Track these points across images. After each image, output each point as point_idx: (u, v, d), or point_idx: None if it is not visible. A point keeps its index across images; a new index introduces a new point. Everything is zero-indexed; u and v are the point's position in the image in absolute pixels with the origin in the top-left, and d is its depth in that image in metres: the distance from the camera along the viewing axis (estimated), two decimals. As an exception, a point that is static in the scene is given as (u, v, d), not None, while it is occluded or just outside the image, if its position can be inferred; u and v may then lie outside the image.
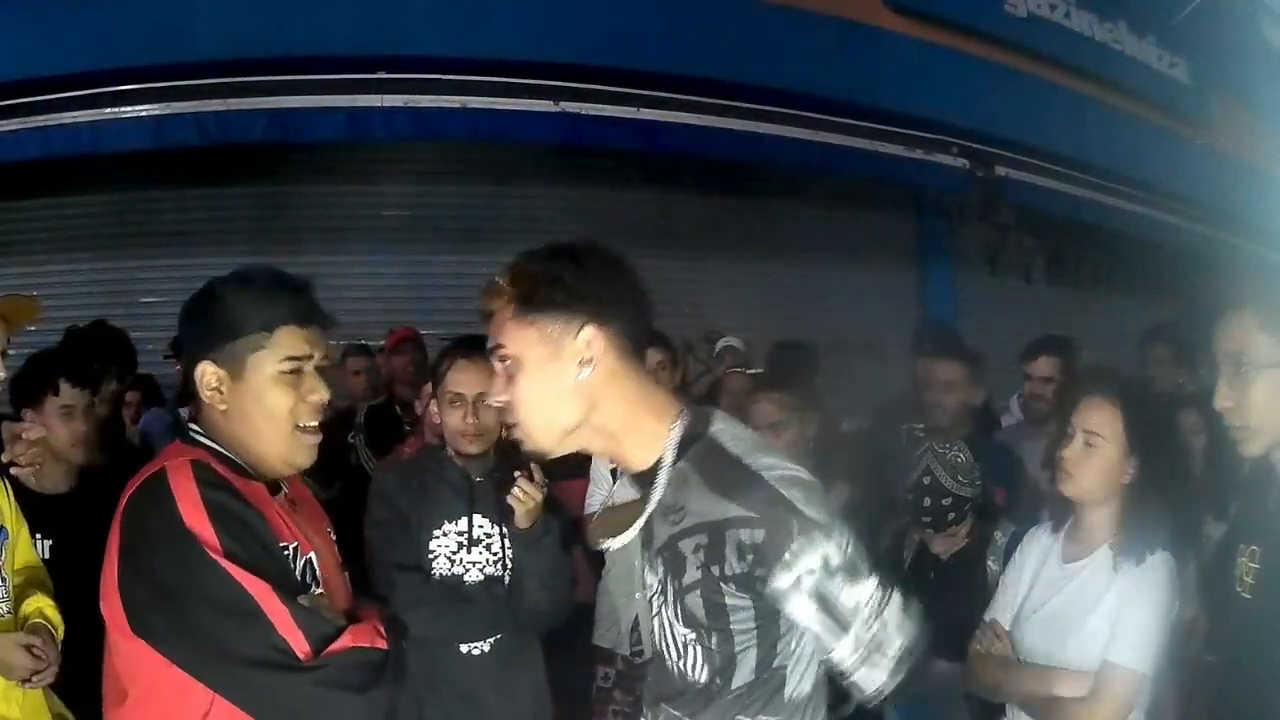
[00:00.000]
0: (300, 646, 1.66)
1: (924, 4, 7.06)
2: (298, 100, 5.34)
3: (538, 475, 2.79)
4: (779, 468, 1.68)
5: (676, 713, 1.79)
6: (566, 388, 1.69)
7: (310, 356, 1.86)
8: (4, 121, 5.16)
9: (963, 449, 3.24)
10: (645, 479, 1.75)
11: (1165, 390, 4.20)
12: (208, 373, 1.81)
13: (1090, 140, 7.68)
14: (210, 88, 5.24)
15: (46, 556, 3.04)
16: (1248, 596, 2.16)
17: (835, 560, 1.63)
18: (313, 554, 1.86)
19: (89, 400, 3.25)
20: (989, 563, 3.13)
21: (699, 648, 1.73)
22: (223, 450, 1.82)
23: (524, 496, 2.76)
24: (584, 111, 5.75)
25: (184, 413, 4.10)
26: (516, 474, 2.77)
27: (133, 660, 1.71)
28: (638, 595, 3.81)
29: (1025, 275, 8.39)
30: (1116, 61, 8.29)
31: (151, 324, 6.13)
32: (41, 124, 5.20)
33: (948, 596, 3.14)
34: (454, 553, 2.96)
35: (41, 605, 2.71)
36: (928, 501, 3.17)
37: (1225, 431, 2.20)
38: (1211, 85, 8.97)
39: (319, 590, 1.84)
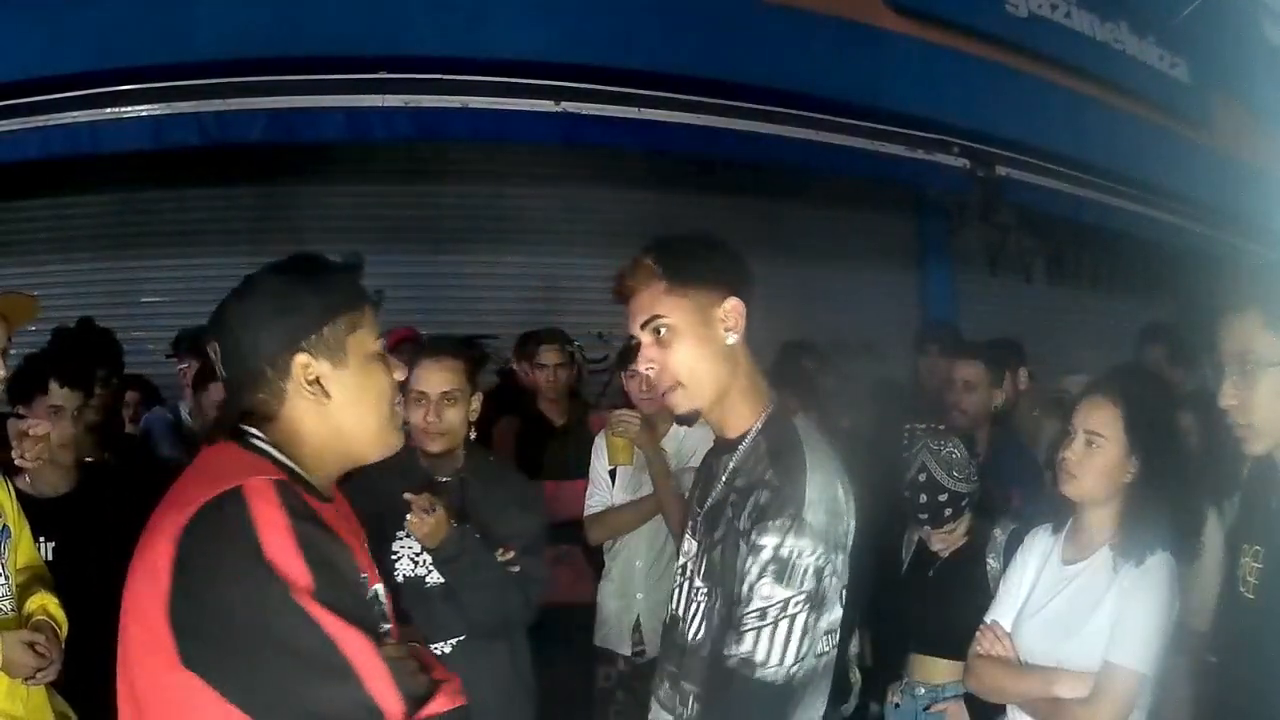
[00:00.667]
0: (393, 709, 1.46)
1: (924, 4, 7.05)
2: (298, 100, 5.33)
3: (426, 500, 2.79)
4: (821, 473, 1.88)
5: (684, 680, 1.97)
6: (717, 351, 1.94)
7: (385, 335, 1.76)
8: (4, 121, 5.14)
9: (958, 445, 3.25)
10: (726, 447, 2.01)
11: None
12: (308, 365, 1.62)
13: (1091, 140, 7.67)
14: (210, 88, 5.23)
15: (50, 558, 3.05)
16: (1250, 596, 2.16)
17: (782, 553, 1.80)
18: (379, 585, 1.70)
19: (80, 401, 3.25)
20: (989, 560, 3.13)
21: (702, 605, 1.95)
22: (290, 464, 1.63)
23: (417, 522, 2.78)
24: (584, 111, 5.74)
25: (185, 411, 4.10)
26: (407, 497, 2.78)
27: (175, 692, 1.48)
28: (639, 596, 3.87)
29: (1026, 275, 8.39)
30: (1117, 61, 8.28)
31: (151, 324, 6.15)
32: (41, 124, 5.18)
33: (947, 595, 3.15)
34: (417, 554, 2.97)
35: (45, 602, 2.72)
36: (924, 498, 3.18)
37: (1223, 431, 2.20)
38: (1212, 85, 8.96)
39: (387, 625, 1.68)
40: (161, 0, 5.40)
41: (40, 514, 3.02)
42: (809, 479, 1.86)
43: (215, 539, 1.47)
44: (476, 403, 3.13)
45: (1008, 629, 2.63)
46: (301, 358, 1.62)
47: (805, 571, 1.81)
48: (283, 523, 1.48)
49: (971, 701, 2.92)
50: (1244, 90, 9.00)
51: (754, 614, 1.81)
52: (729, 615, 1.87)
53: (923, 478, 3.18)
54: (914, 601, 3.26)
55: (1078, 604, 2.50)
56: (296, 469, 1.63)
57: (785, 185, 6.91)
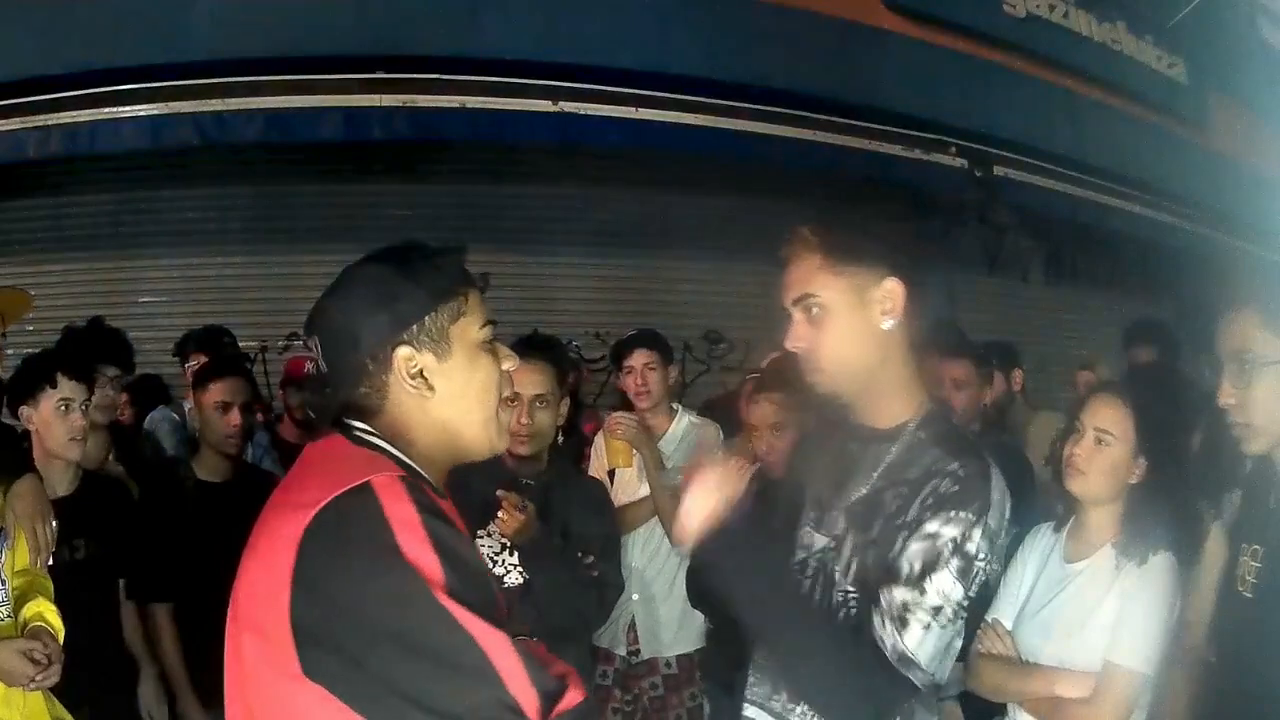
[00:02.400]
0: (531, 705, 1.37)
1: (922, 4, 7.05)
2: (295, 100, 5.33)
3: (518, 498, 2.76)
4: (1000, 476, 1.80)
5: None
6: (869, 334, 1.83)
7: (495, 322, 1.64)
8: (2, 121, 5.15)
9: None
10: (877, 437, 1.89)
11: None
12: (410, 359, 1.53)
13: (1089, 140, 7.68)
14: (207, 88, 5.24)
15: (50, 563, 3.04)
16: (1249, 596, 2.15)
17: (969, 548, 1.72)
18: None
19: (86, 395, 3.24)
20: (990, 561, 3.13)
21: (854, 610, 1.80)
22: (406, 459, 1.54)
23: (507, 519, 2.73)
24: (582, 111, 5.74)
25: (188, 409, 4.10)
26: (499, 494, 2.74)
27: (296, 702, 1.40)
28: (634, 596, 3.83)
29: (1023, 275, 8.39)
30: (1115, 62, 8.29)
31: (150, 324, 6.14)
32: (39, 124, 5.19)
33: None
34: (496, 553, 2.94)
35: (43, 609, 2.72)
36: None
37: (1222, 429, 2.19)
38: (1210, 86, 8.97)
39: None
40: (159, 1, 5.40)
41: None
42: (994, 479, 1.78)
43: (346, 538, 1.40)
44: (565, 407, 3.09)
45: (1008, 627, 2.63)
46: (404, 350, 1.54)
47: (978, 575, 1.74)
48: (415, 519, 1.40)
49: (971, 700, 2.91)
50: (1241, 91, 9.00)
51: (929, 609, 1.71)
52: (892, 601, 1.74)
53: None
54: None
55: (1079, 603, 2.50)
56: (412, 464, 1.55)
57: (783, 185, 6.90)
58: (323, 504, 1.41)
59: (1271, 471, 2.15)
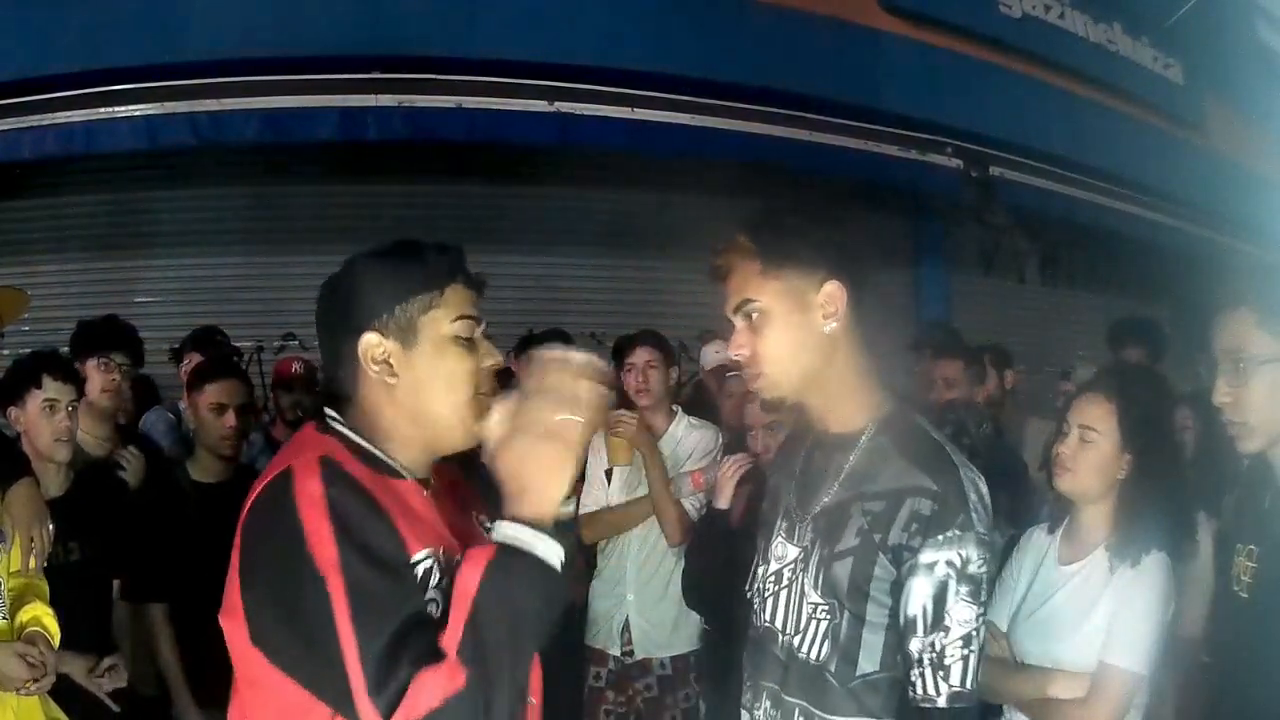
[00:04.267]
0: (366, 712, 1.39)
1: (918, 4, 7.06)
2: (291, 100, 5.32)
3: (629, 415, 2.76)
4: (971, 471, 1.78)
5: (786, 695, 1.86)
6: (811, 338, 1.82)
7: (480, 320, 1.68)
8: (-2, 121, 5.15)
9: (962, 423, 3.26)
10: (835, 443, 1.88)
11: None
12: (374, 344, 1.61)
13: (1085, 141, 7.69)
14: (204, 88, 5.23)
15: (43, 564, 3.04)
16: (1245, 596, 2.16)
17: (971, 569, 1.72)
18: (424, 552, 1.58)
19: (72, 395, 3.24)
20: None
21: (825, 623, 1.81)
22: (363, 442, 1.62)
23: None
24: (579, 111, 5.74)
25: (184, 410, 4.10)
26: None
27: (252, 675, 1.53)
28: (629, 596, 3.83)
29: (1019, 275, 8.40)
30: (1111, 63, 8.30)
31: (147, 324, 6.12)
32: (35, 124, 5.18)
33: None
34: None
35: (39, 613, 2.72)
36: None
37: (1218, 429, 2.20)
38: (1206, 86, 8.99)
39: (430, 596, 1.56)
40: (155, 0, 5.39)
41: None
42: (965, 481, 1.76)
43: (262, 517, 1.51)
44: None
45: (1003, 629, 2.63)
46: (370, 336, 1.61)
47: (984, 582, 1.75)
48: (319, 496, 1.47)
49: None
50: (1237, 91, 9.02)
51: (958, 642, 1.72)
52: (857, 637, 1.78)
53: (937, 411, 3.19)
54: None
55: (1074, 604, 2.50)
56: (369, 447, 1.62)
57: (779, 186, 6.90)
58: (260, 487, 1.53)
59: (1267, 471, 2.15)
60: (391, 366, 1.61)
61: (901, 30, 6.95)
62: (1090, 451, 2.51)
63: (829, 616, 1.80)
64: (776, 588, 1.92)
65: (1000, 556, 3.00)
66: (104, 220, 6.65)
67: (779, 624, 1.89)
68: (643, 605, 3.91)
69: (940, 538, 1.71)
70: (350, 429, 1.63)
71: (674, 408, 4.11)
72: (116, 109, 5.19)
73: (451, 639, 1.40)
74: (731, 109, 6.09)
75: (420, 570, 1.54)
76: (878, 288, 1.88)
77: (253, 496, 1.53)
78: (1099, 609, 2.44)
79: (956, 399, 4.05)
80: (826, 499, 1.86)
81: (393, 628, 1.41)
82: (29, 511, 2.78)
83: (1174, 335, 4.91)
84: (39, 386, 3.17)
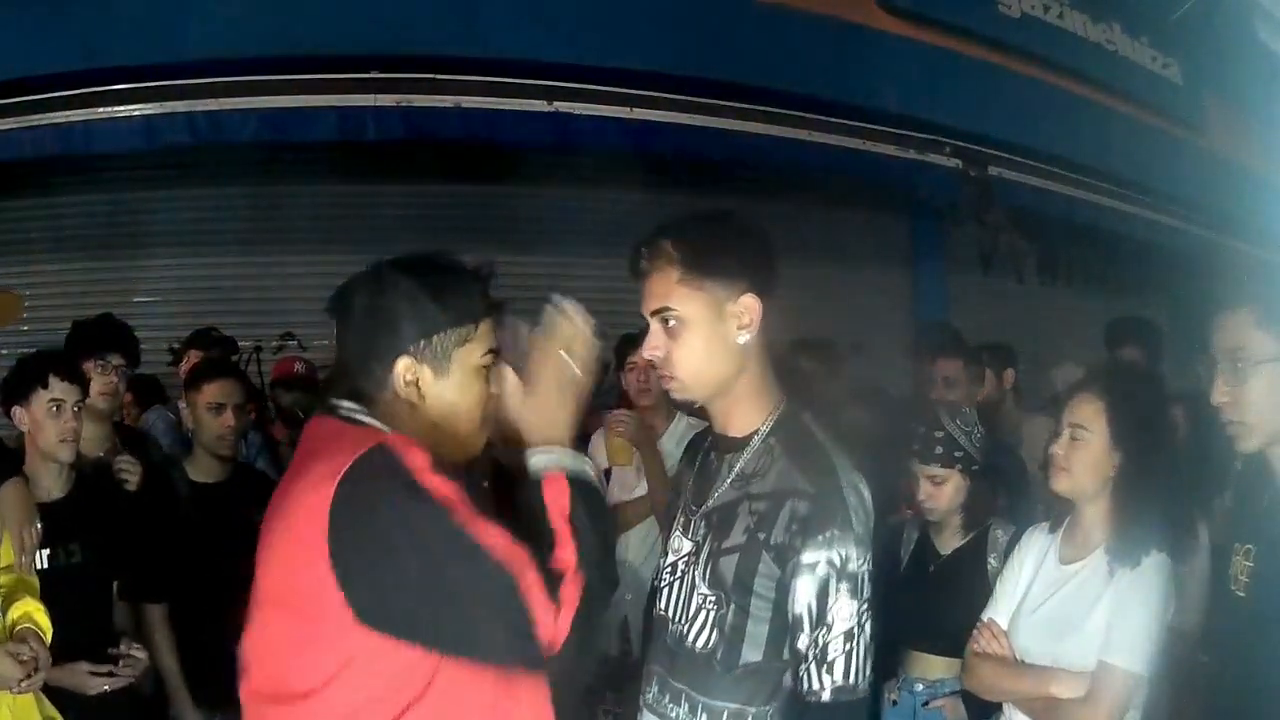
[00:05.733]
0: (547, 622, 1.55)
1: (917, 4, 7.05)
2: (291, 100, 5.32)
3: (626, 414, 2.79)
4: (851, 473, 1.87)
5: (672, 680, 1.94)
6: (724, 348, 1.88)
7: (498, 350, 1.79)
8: (-4, 121, 5.14)
9: (973, 411, 3.28)
10: (729, 445, 1.96)
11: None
12: (409, 369, 1.69)
13: (1083, 141, 7.68)
14: (202, 87, 5.22)
15: (44, 566, 3.04)
16: (1242, 595, 2.16)
17: (850, 567, 1.78)
18: None
19: (78, 396, 3.23)
20: (989, 560, 3.13)
21: (712, 614, 1.88)
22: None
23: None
24: (577, 111, 5.74)
25: (184, 409, 4.11)
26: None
27: (349, 660, 1.54)
28: (628, 596, 3.84)
29: (1018, 275, 8.39)
30: (1110, 62, 8.29)
31: (147, 324, 6.12)
32: (33, 124, 5.17)
33: (946, 593, 3.14)
34: None
35: (30, 610, 2.72)
36: (921, 430, 3.18)
37: (1210, 428, 2.20)
38: (1205, 86, 8.98)
39: None
40: (155, 0, 5.39)
41: None
42: (844, 482, 1.84)
43: (374, 490, 1.53)
44: None
45: (1004, 627, 2.63)
46: (405, 360, 1.69)
47: (864, 578, 1.80)
48: (429, 466, 1.56)
49: (968, 699, 2.92)
50: (1236, 91, 9.01)
51: (840, 638, 1.79)
52: (741, 628, 1.85)
53: (929, 419, 3.20)
54: (913, 599, 3.25)
55: (1074, 603, 2.50)
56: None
57: (777, 185, 6.91)
58: (343, 471, 1.53)
59: (1265, 470, 2.16)
60: (419, 389, 1.70)
61: (900, 30, 6.93)
62: (1081, 450, 2.52)
63: (716, 608, 1.88)
64: (671, 578, 2.01)
65: (1003, 555, 3.02)
66: (104, 220, 6.64)
67: (671, 613, 1.98)
68: (641, 605, 3.90)
69: (820, 538, 1.78)
70: (378, 422, 1.69)
71: (673, 408, 4.12)
72: (116, 109, 5.19)
73: (566, 554, 1.60)
74: (731, 109, 6.08)
75: None
76: (787, 296, 1.94)
77: (335, 484, 1.53)
78: (1099, 609, 2.45)
79: (949, 403, 4.05)
80: (717, 496, 1.94)
81: (534, 556, 1.55)
82: (18, 511, 2.78)
83: (1173, 335, 4.91)
84: (45, 386, 3.17)
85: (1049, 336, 8.07)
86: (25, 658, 2.57)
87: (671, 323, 1.88)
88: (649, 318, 1.92)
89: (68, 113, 5.15)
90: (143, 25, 5.22)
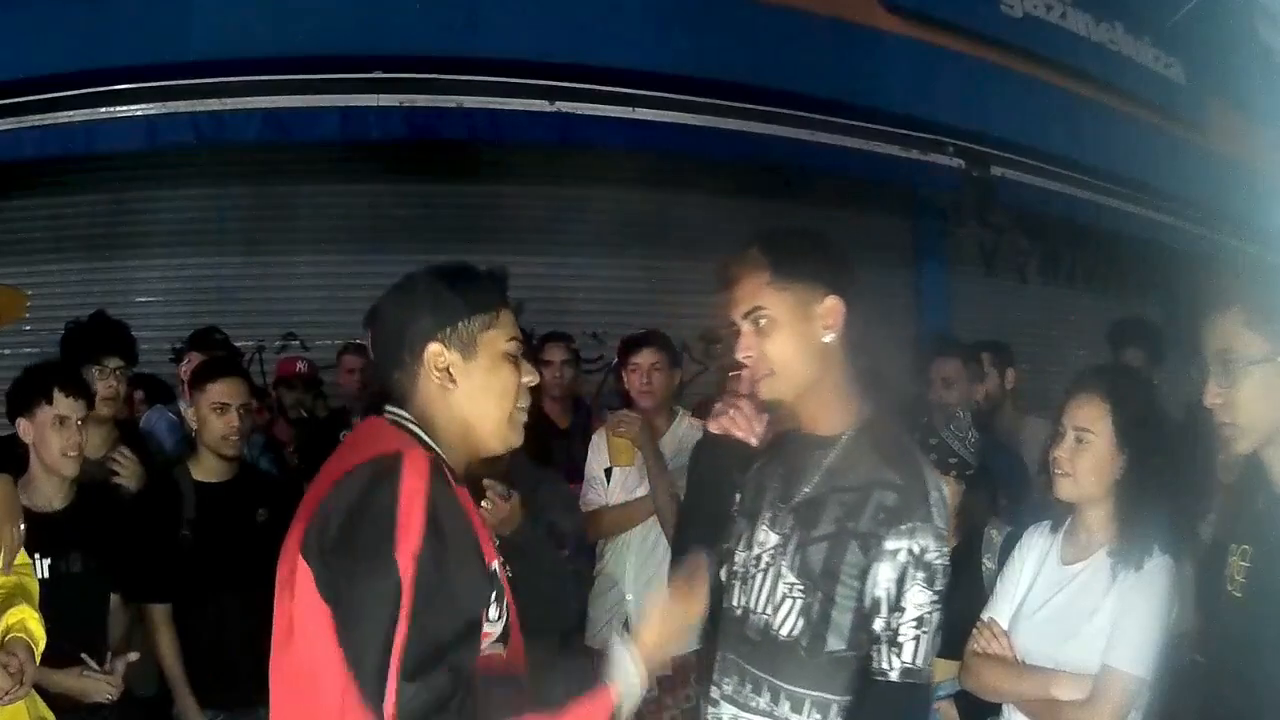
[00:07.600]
0: (389, 690, 1.54)
1: (919, 4, 7.04)
2: (292, 100, 5.32)
3: (501, 488, 2.72)
4: (934, 474, 2.00)
5: (754, 669, 2.03)
6: (811, 346, 2.00)
7: (522, 341, 1.89)
8: (-1, 121, 5.15)
9: (969, 416, 3.28)
10: (819, 443, 2.06)
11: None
12: (439, 354, 1.79)
13: (1086, 141, 7.68)
14: (204, 87, 5.23)
15: (45, 575, 3.03)
16: (1239, 596, 2.16)
17: (928, 558, 1.88)
18: (495, 564, 1.79)
19: (84, 411, 3.23)
20: (985, 561, 3.13)
21: (799, 602, 1.98)
22: (436, 449, 1.77)
23: (491, 509, 2.68)
24: (579, 111, 5.74)
25: (185, 409, 4.12)
26: (485, 482, 2.69)
27: (317, 626, 1.63)
28: (628, 596, 3.83)
29: (1020, 275, 8.39)
30: (1112, 62, 8.28)
31: (147, 324, 6.13)
32: (36, 123, 5.18)
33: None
34: None
35: (24, 617, 2.68)
36: (916, 437, 3.16)
37: (1203, 430, 2.20)
38: (1207, 86, 8.96)
39: (499, 607, 1.77)
40: (155, 0, 5.40)
41: (34, 529, 2.99)
42: (928, 480, 1.95)
43: (363, 485, 1.63)
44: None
45: (1005, 627, 2.62)
46: (435, 346, 1.79)
47: (941, 571, 1.90)
48: (423, 491, 1.61)
49: (965, 698, 2.91)
50: (1239, 91, 9.00)
51: (912, 623, 1.88)
52: (827, 616, 1.94)
53: (924, 427, 3.19)
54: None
55: (1077, 605, 2.50)
56: (439, 452, 1.76)
57: (780, 185, 6.91)
58: (350, 469, 1.66)
59: (1260, 471, 2.15)
60: (451, 375, 1.79)
61: (902, 30, 6.93)
62: (1086, 453, 2.51)
63: (803, 596, 1.97)
64: (756, 570, 2.08)
65: (997, 556, 3.01)
66: (104, 220, 6.66)
67: (757, 604, 2.05)
68: (642, 604, 3.92)
69: (903, 527, 1.89)
70: (419, 429, 1.78)
71: (675, 408, 4.12)
72: (116, 109, 5.19)
73: None
74: (731, 109, 6.08)
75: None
76: (867, 305, 2.06)
77: (356, 463, 1.66)
78: (1102, 611, 2.45)
79: (947, 406, 4.05)
80: (807, 490, 2.04)
81: (441, 637, 1.57)
82: (2, 509, 2.76)
83: (1174, 335, 4.91)
84: (49, 402, 3.17)
85: (1051, 336, 8.07)
86: (13, 670, 2.55)
87: (763, 322, 1.99)
88: (740, 322, 2.03)
89: (69, 113, 5.16)
90: (143, 25, 5.23)
